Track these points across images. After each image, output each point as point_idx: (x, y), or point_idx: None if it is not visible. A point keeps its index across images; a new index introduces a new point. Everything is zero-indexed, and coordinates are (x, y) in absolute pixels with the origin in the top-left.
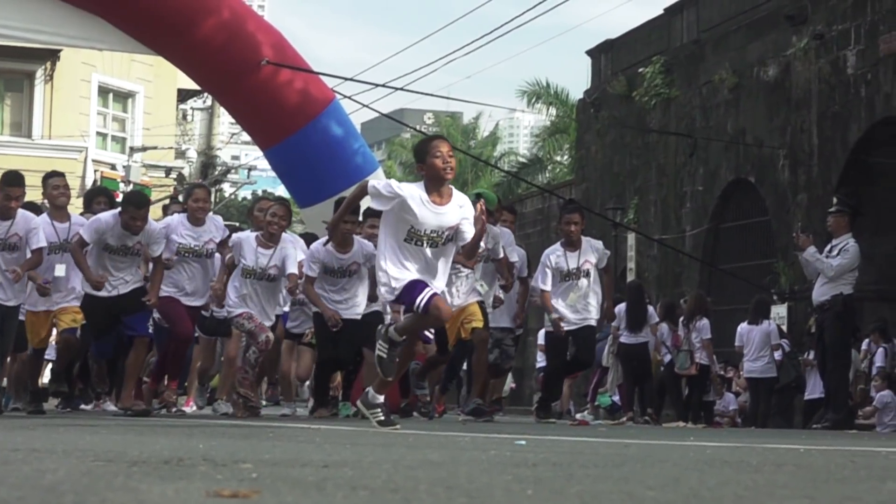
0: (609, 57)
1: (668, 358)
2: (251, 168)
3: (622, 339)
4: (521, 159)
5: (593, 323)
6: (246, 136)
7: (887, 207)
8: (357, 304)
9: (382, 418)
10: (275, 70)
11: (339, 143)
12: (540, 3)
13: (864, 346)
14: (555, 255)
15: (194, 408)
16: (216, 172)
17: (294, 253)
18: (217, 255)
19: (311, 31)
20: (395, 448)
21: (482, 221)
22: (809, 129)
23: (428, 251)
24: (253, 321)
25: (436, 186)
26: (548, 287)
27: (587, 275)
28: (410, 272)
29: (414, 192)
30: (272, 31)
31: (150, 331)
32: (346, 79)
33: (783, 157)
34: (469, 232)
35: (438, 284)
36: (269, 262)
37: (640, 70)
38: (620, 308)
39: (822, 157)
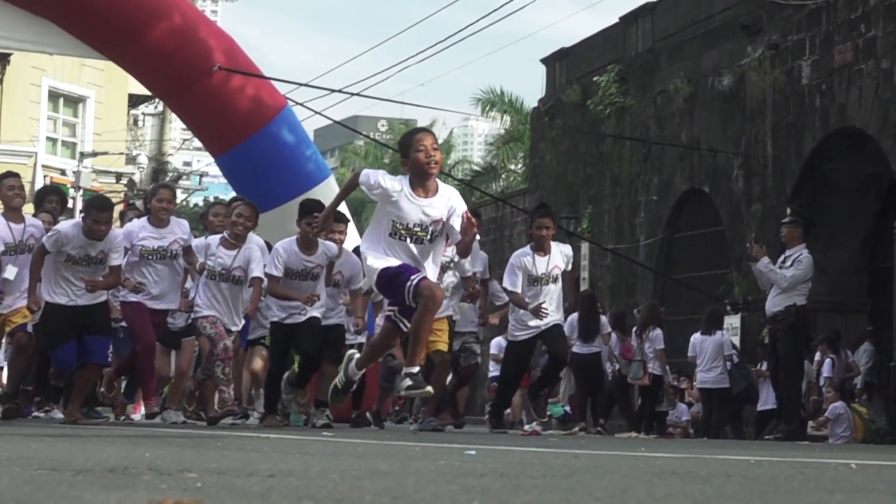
0: (564, 65)
1: (615, 367)
2: (203, 174)
3: (574, 349)
4: (476, 167)
5: (560, 321)
6: (198, 142)
7: (841, 218)
8: (315, 310)
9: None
10: (226, 76)
11: (290, 150)
12: (494, 10)
13: (816, 357)
14: (526, 258)
15: (142, 416)
16: (167, 178)
17: (260, 256)
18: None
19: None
20: (344, 458)
21: (472, 234)
22: (764, 139)
23: (413, 247)
24: (216, 327)
25: (420, 181)
26: (518, 289)
27: (555, 280)
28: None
29: (397, 186)
30: (224, 36)
31: (109, 359)
32: (300, 84)
33: (738, 166)
34: (457, 227)
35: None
36: (233, 263)
37: (595, 79)
38: (573, 318)
39: (777, 167)
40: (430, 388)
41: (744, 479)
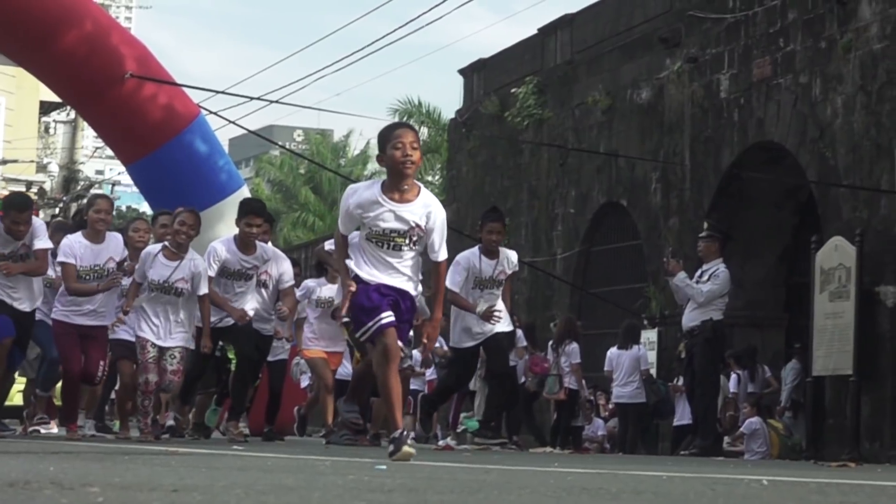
0: (482, 76)
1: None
2: (115, 183)
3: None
4: None
5: (505, 329)
6: (110, 151)
7: (758, 233)
8: (268, 321)
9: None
10: (139, 84)
11: (203, 160)
12: (412, 20)
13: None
14: (474, 258)
15: (55, 429)
16: (79, 187)
17: (206, 270)
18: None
19: (180, 45)
20: (252, 472)
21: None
22: (682, 152)
23: (389, 258)
24: (144, 354)
25: (396, 181)
26: (458, 289)
27: (500, 285)
28: (372, 275)
29: (365, 192)
30: (136, 43)
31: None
32: (216, 92)
33: (655, 180)
34: (437, 243)
35: (400, 286)
36: (175, 275)
37: (513, 90)
38: None
39: (695, 180)
40: (412, 451)
41: (653, 496)
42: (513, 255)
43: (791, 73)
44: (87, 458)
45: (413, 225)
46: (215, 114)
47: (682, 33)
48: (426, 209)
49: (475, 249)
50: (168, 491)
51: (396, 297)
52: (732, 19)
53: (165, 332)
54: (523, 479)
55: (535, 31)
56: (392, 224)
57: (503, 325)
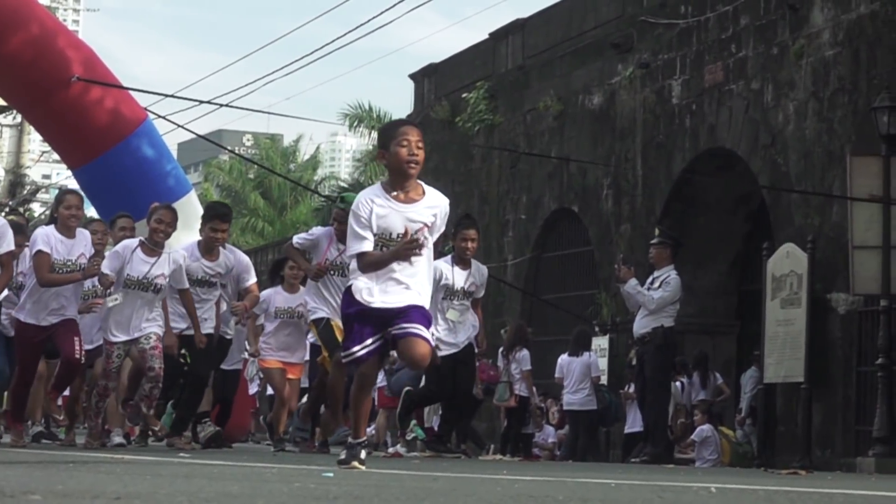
0: (432, 81)
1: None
2: (62, 188)
3: None
4: (343, 184)
5: (466, 345)
6: (57, 155)
7: (710, 239)
8: (209, 320)
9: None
10: (85, 87)
11: (150, 164)
12: (362, 24)
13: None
14: (445, 267)
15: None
16: (25, 192)
17: (185, 262)
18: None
19: (129, 49)
20: (197, 479)
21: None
22: (634, 158)
23: (396, 265)
24: (109, 363)
25: (400, 181)
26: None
27: (469, 297)
28: (372, 295)
29: (371, 199)
30: (83, 47)
31: None
32: (164, 95)
33: (607, 186)
34: (431, 241)
35: (409, 298)
36: (154, 271)
37: (464, 95)
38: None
39: (646, 187)
40: (361, 468)
41: (600, 503)
42: (484, 270)
43: (743, 79)
44: (31, 466)
45: (421, 225)
46: (163, 118)
47: (634, 39)
48: (432, 210)
49: (447, 258)
50: (110, 499)
51: (395, 315)
52: (684, 25)
53: (136, 327)
54: (470, 486)
55: (486, 36)
56: (399, 227)
57: (468, 340)
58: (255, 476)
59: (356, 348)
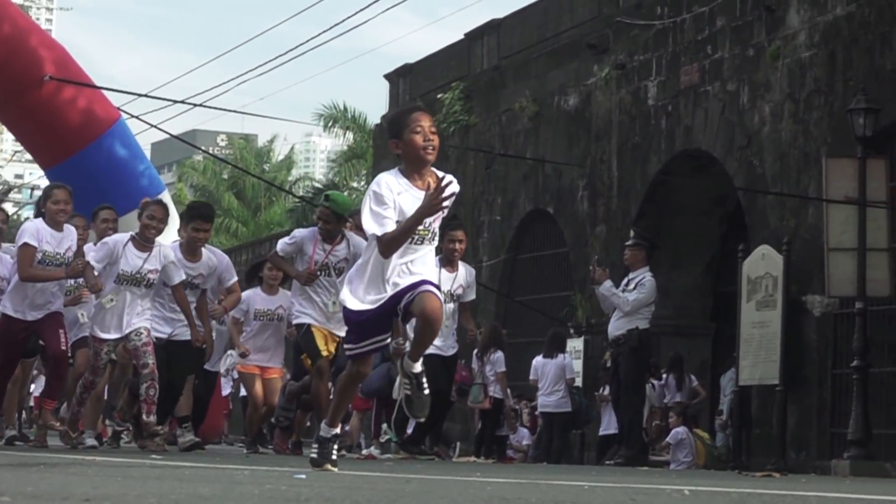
0: (407, 81)
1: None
2: (34, 187)
3: None
4: (317, 184)
5: (452, 353)
6: (30, 154)
7: (685, 241)
8: (186, 326)
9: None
10: (58, 87)
11: (123, 164)
12: (337, 24)
13: (661, 381)
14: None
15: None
16: None
17: (175, 259)
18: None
19: (102, 48)
20: (167, 481)
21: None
22: (609, 159)
23: (409, 254)
24: (97, 360)
25: (415, 168)
26: None
27: (456, 300)
28: (375, 291)
29: (392, 182)
30: (56, 46)
31: None
32: (138, 95)
33: (582, 187)
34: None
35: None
36: (146, 266)
37: (439, 96)
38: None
39: (622, 188)
40: (334, 469)
41: None
42: (472, 271)
43: (719, 80)
44: (2, 467)
45: (436, 217)
46: (137, 117)
47: (609, 39)
48: (450, 197)
49: (435, 259)
50: (80, 500)
51: (403, 294)
52: (661, 26)
53: (127, 323)
54: (443, 488)
55: (461, 37)
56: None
57: (451, 346)
58: (226, 478)
59: (356, 346)
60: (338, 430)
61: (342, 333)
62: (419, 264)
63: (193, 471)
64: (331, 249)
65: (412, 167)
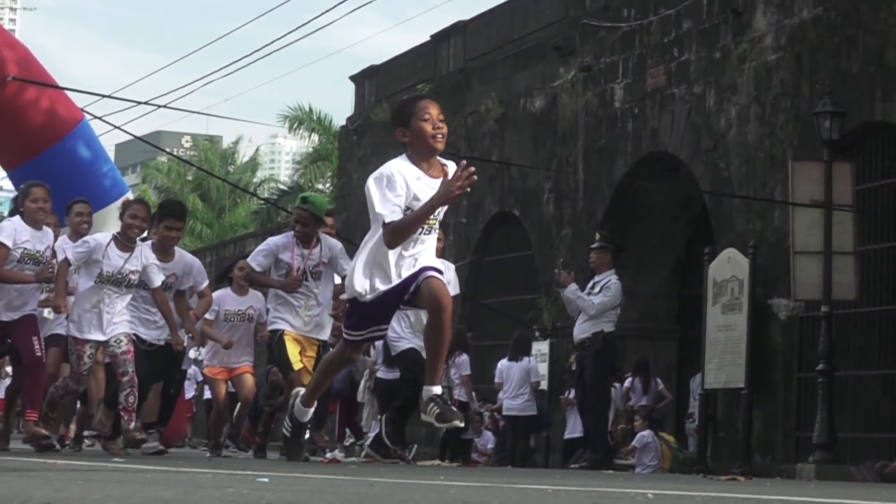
0: (373, 83)
1: None
2: None
3: (379, 374)
4: (282, 186)
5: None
6: None
7: (651, 244)
8: (162, 327)
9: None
10: (20, 87)
11: (86, 165)
12: (302, 25)
13: (626, 384)
14: None
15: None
16: None
17: (156, 260)
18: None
19: (66, 49)
20: (129, 485)
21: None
22: (575, 162)
23: (416, 242)
24: (80, 366)
25: (424, 157)
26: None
27: None
28: (381, 276)
29: (404, 169)
30: (19, 46)
31: None
32: (102, 96)
33: (548, 190)
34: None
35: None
36: (127, 266)
37: (405, 97)
38: (378, 343)
39: (588, 191)
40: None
41: None
42: (452, 267)
43: (685, 82)
44: None
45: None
46: (100, 118)
47: (576, 42)
48: None
49: None
50: (40, 503)
51: (409, 283)
52: (627, 28)
53: (108, 323)
54: (406, 492)
55: (427, 38)
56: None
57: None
58: (188, 481)
59: (355, 332)
60: (311, 413)
61: (324, 337)
62: (426, 255)
63: (155, 474)
64: (308, 254)
65: (420, 156)
